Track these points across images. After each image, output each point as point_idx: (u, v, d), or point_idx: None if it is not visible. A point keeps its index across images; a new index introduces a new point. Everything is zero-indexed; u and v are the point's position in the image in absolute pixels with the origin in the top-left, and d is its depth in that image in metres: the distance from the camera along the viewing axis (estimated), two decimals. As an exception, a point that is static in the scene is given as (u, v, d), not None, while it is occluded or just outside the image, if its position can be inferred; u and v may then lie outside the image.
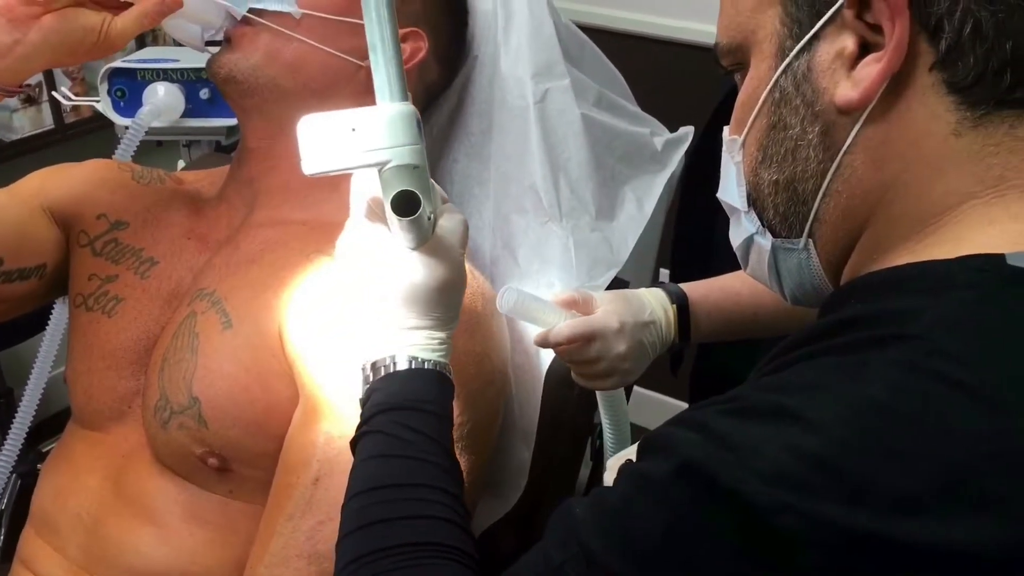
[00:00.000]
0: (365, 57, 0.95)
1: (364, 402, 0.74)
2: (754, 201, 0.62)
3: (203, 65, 1.62)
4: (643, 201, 1.11)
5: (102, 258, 1.02)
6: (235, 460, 0.87)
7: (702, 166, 1.31)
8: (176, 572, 0.88)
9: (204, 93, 1.65)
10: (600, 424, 1.05)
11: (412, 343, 0.73)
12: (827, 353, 0.50)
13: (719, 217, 1.36)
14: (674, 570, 0.49)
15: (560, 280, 1.02)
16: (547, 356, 1.00)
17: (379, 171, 0.69)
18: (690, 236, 1.47)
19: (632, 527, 0.51)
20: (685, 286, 0.99)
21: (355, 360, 0.83)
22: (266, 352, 0.86)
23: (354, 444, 0.73)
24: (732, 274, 1.05)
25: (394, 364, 0.73)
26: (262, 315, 0.88)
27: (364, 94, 0.96)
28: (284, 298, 0.87)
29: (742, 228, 0.64)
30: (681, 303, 0.97)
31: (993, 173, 0.52)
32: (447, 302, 0.75)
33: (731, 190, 0.64)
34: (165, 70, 1.59)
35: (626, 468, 0.54)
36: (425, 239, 0.74)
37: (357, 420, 0.81)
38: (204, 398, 0.87)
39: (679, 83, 1.92)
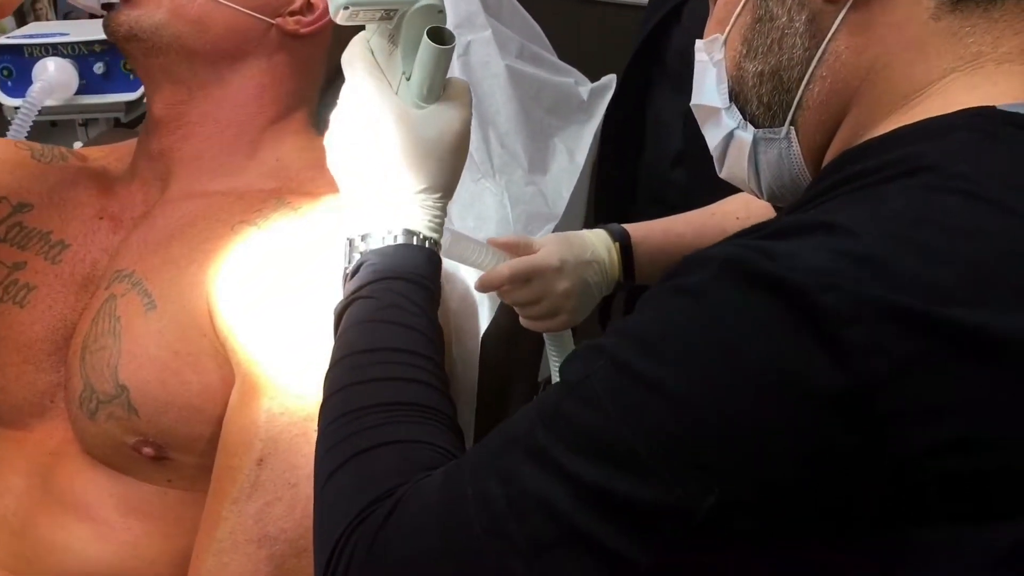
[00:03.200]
0: (275, 14, 0.91)
1: (351, 272, 0.70)
2: (736, 96, 0.64)
3: (96, 38, 1.54)
4: (574, 152, 1.09)
5: (6, 244, 0.95)
6: (171, 447, 0.83)
7: (622, 115, 1.30)
8: (115, 569, 0.83)
9: (99, 67, 1.56)
10: (547, 379, 1.03)
11: (412, 214, 0.70)
12: (839, 197, 0.53)
13: (641, 164, 1.36)
14: (716, 363, 0.47)
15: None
16: (487, 314, 0.97)
17: (404, 14, 0.70)
18: (612, 184, 1.47)
19: (669, 332, 0.49)
20: (628, 227, 0.98)
21: (295, 330, 0.79)
22: (195, 332, 0.82)
23: (340, 313, 0.69)
24: (673, 217, 1.04)
25: (393, 237, 0.69)
26: (188, 293, 0.83)
27: (275, 54, 0.92)
28: (211, 273, 0.83)
29: (721, 127, 0.66)
30: (624, 242, 0.96)
31: (971, 50, 0.55)
32: (455, 164, 0.72)
33: (709, 91, 0.66)
34: (55, 45, 1.50)
35: (651, 291, 0.53)
36: (439, 95, 0.71)
37: (300, 394, 0.78)
38: (132, 385, 0.82)
39: (590, 40, 1.90)
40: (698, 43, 0.69)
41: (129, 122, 1.66)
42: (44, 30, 1.60)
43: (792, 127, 0.62)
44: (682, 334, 0.49)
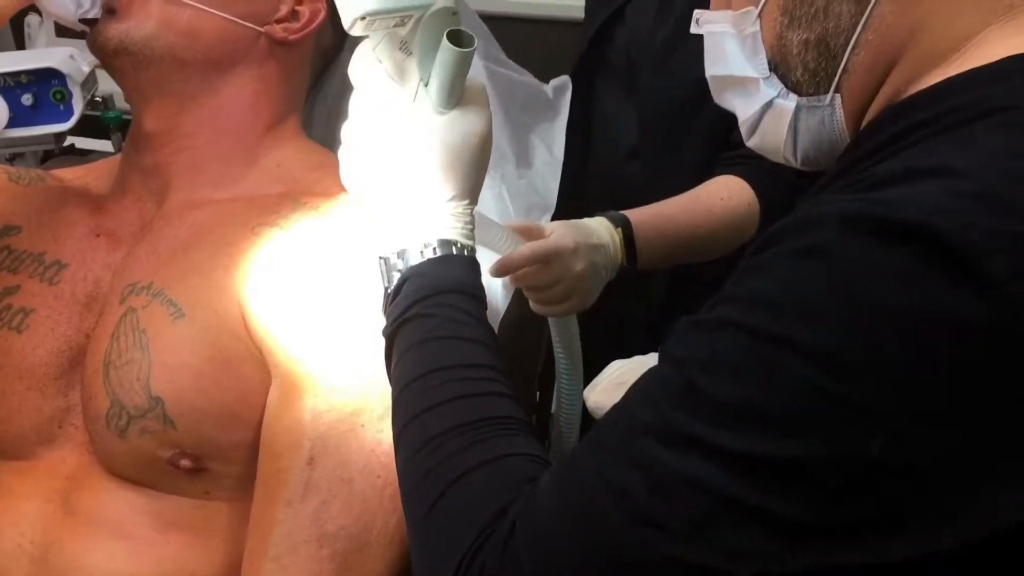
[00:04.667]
0: (263, 22, 0.91)
1: (394, 292, 0.68)
2: (777, 65, 0.65)
3: (21, 68, 1.48)
4: (551, 147, 1.12)
5: None
6: (210, 457, 0.81)
7: (570, 116, 1.33)
8: None
9: (27, 99, 1.49)
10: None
11: (447, 225, 0.69)
12: (914, 147, 0.54)
13: (590, 161, 1.38)
14: (863, 315, 0.48)
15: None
16: (501, 303, 0.99)
17: (419, 20, 0.68)
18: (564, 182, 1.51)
19: (804, 294, 0.50)
20: (625, 212, 1.01)
21: (334, 326, 0.79)
22: (229, 336, 0.81)
23: (391, 336, 0.68)
24: (661, 202, 1.08)
25: (431, 250, 0.68)
26: (217, 298, 0.81)
27: (265, 62, 0.92)
28: (239, 276, 0.82)
29: (758, 96, 0.67)
30: (626, 227, 0.99)
31: (1003, 3, 0.58)
32: (481, 167, 0.71)
33: (737, 62, 0.67)
34: (-22, 77, 1.43)
35: (756, 260, 0.53)
36: (459, 99, 0.70)
37: (344, 390, 0.78)
38: (167, 396, 0.80)
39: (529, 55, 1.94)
40: (708, 15, 0.70)
41: (60, 152, 1.61)
42: (-29, 62, 1.54)
43: (837, 93, 0.63)
44: (819, 294, 0.49)
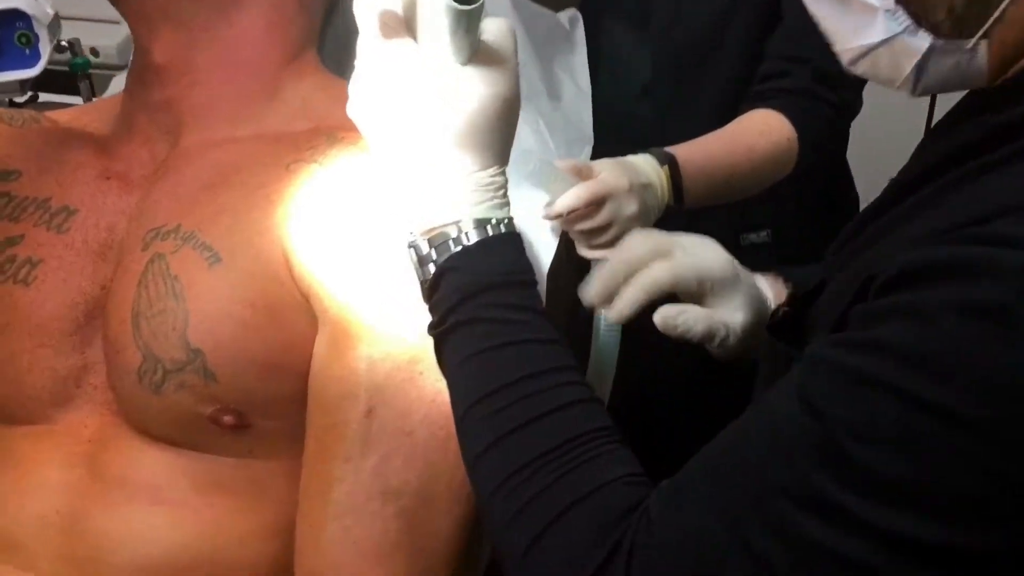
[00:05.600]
0: None
1: (432, 287, 0.62)
2: (910, 1, 0.59)
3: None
4: (577, 79, 1.07)
5: None
6: (254, 413, 0.75)
7: None
8: (200, 552, 0.75)
9: (-16, 44, 1.40)
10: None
11: (476, 200, 0.61)
12: None
13: (596, 102, 1.33)
14: None
15: (543, 164, 0.95)
16: (546, 257, 0.93)
17: None
18: None
19: (975, 363, 0.44)
20: (668, 150, 0.96)
21: (386, 269, 0.73)
22: (271, 282, 0.74)
23: (440, 341, 0.62)
24: (702, 138, 1.03)
25: (464, 235, 0.61)
26: (256, 241, 0.75)
27: None
28: (279, 217, 0.75)
29: (874, 28, 0.60)
30: (672, 166, 0.94)
31: None
32: (507, 129, 0.63)
33: None
34: (-64, 20, 1.32)
35: (908, 302, 0.47)
36: (475, 49, 0.61)
37: (400, 336, 0.72)
38: (207, 347, 0.73)
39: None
40: None
41: (24, 102, 1.50)
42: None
43: (984, 39, 0.56)
44: (997, 367, 0.44)
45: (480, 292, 0.60)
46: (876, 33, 0.60)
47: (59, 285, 0.80)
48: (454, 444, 0.72)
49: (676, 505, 0.53)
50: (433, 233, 0.62)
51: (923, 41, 0.58)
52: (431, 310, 0.63)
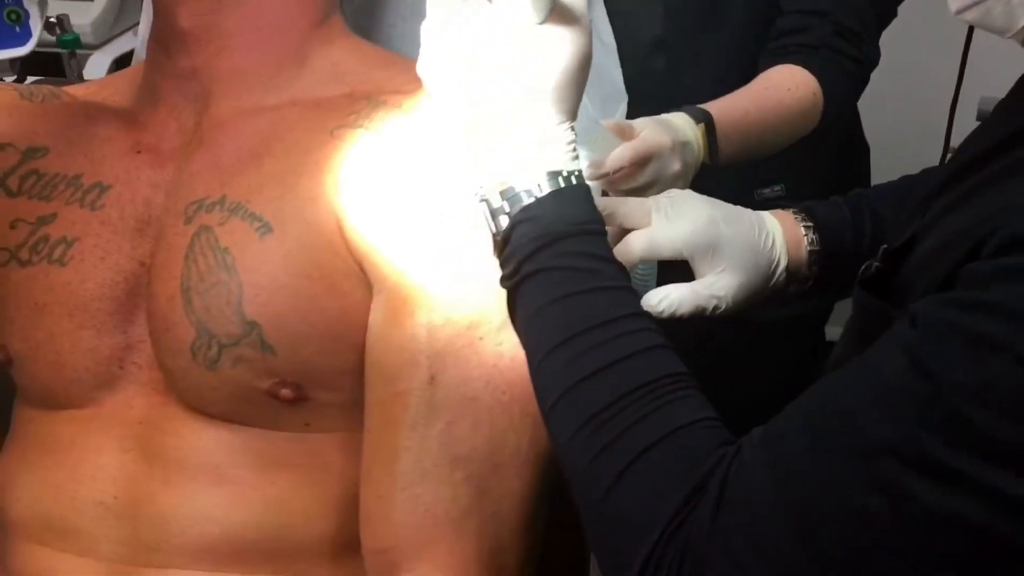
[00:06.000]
0: None
1: (504, 239, 0.62)
2: None
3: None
4: (600, 33, 1.04)
5: (23, 197, 0.80)
6: (312, 385, 0.73)
7: None
8: (266, 529, 0.74)
9: (-29, 22, 1.35)
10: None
11: (550, 153, 0.61)
12: None
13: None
14: None
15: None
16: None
17: None
18: None
19: None
20: (703, 107, 0.95)
21: (442, 234, 0.72)
22: (326, 251, 0.72)
23: (513, 291, 0.62)
24: (731, 95, 1.02)
25: (537, 186, 0.61)
26: (308, 209, 0.73)
27: None
28: (330, 184, 0.73)
29: None
30: (708, 123, 0.93)
31: None
32: (581, 85, 0.63)
33: None
34: (-78, -4, 1.27)
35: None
36: (552, 7, 0.61)
37: (459, 301, 0.71)
38: (263, 319, 0.71)
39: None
40: None
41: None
42: None
43: None
44: None
45: (555, 241, 0.60)
46: None
47: (97, 264, 0.78)
48: (518, 407, 0.72)
49: (773, 453, 0.52)
50: (505, 186, 0.62)
51: None
52: (503, 262, 0.63)
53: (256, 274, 0.72)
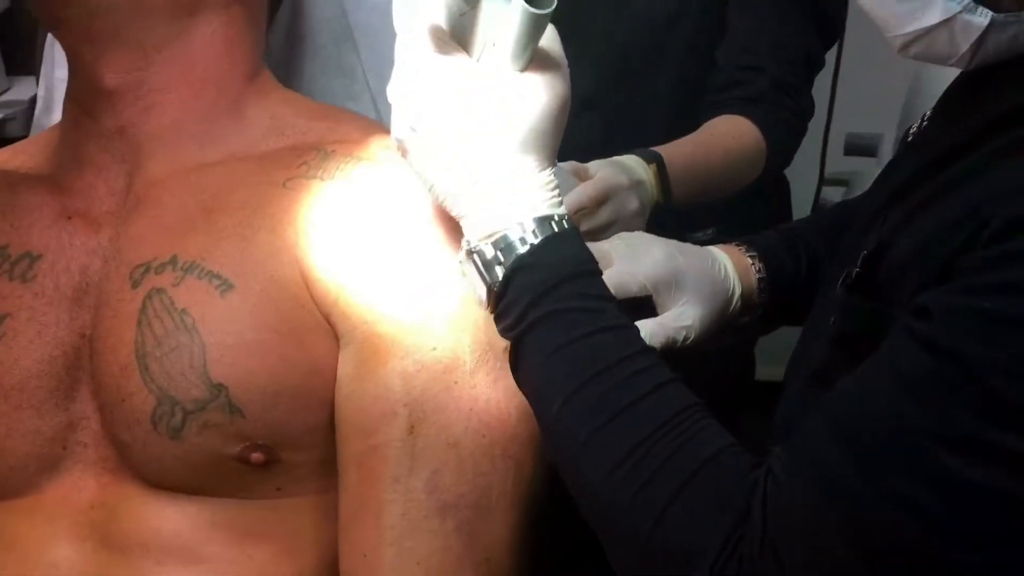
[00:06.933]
0: None
1: (500, 287, 0.62)
2: None
3: None
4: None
5: None
6: (283, 446, 0.70)
7: None
8: None
9: None
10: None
11: (537, 200, 0.62)
12: None
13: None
14: None
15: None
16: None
17: None
18: None
19: None
20: (654, 149, 0.98)
21: (410, 281, 0.70)
22: (292, 305, 0.70)
23: (519, 339, 0.62)
24: (678, 141, 1.05)
25: (531, 233, 0.62)
26: (270, 263, 0.70)
27: (231, 5, 0.80)
28: (290, 236, 0.71)
29: (933, 9, 0.60)
30: (659, 164, 0.95)
31: None
32: (561, 129, 0.65)
33: None
34: None
35: None
36: (530, 59, 0.63)
37: (430, 346, 0.70)
38: (231, 381, 0.68)
39: None
40: None
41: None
42: None
43: None
44: None
45: (558, 284, 0.61)
46: (934, 15, 0.60)
47: (33, 339, 0.73)
48: (499, 449, 0.71)
49: (806, 464, 0.53)
50: (496, 237, 0.62)
51: (983, 18, 0.59)
52: (503, 312, 0.63)
53: (220, 333, 0.69)
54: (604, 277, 0.75)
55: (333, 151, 0.76)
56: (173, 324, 0.69)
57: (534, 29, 0.61)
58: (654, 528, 0.56)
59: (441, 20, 0.63)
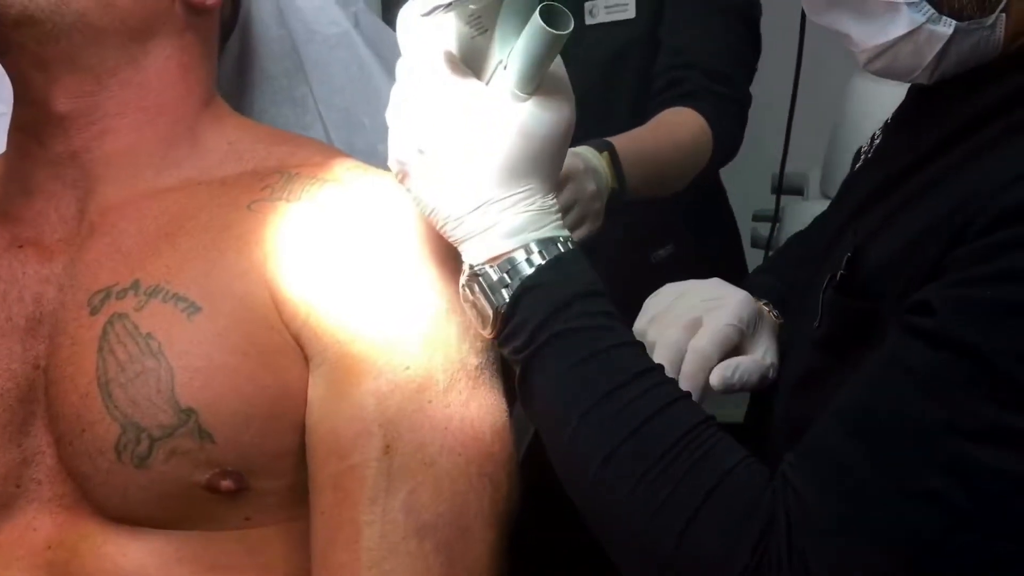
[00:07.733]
0: None
1: (508, 309, 0.63)
2: None
3: None
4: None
5: None
6: (253, 473, 0.68)
7: None
8: None
9: None
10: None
11: (541, 223, 0.64)
12: None
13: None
14: None
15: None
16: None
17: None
18: None
19: None
20: (605, 139, 0.99)
21: (382, 301, 0.70)
22: (261, 327, 0.68)
23: (531, 358, 0.62)
24: (629, 132, 1.06)
25: (538, 254, 0.63)
26: (239, 284, 0.69)
27: (184, 32, 0.80)
28: (258, 258, 0.70)
29: (897, 23, 0.62)
30: (611, 152, 0.97)
31: None
32: (564, 153, 0.66)
33: None
34: None
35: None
36: (540, 83, 0.63)
37: (404, 365, 0.69)
38: (200, 405, 0.66)
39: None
40: None
41: None
42: None
43: (1003, 13, 0.59)
44: None
45: (568, 304, 0.62)
46: (900, 27, 0.62)
47: None
48: (475, 468, 0.70)
49: (822, 469, 0.54)
50: (500, 260, 0.63)
51: (947, 27, 0.61)
52: (511, 334, 0.63)
53: (189, 357, 0.67)
54: (703, 343, 0.74)
55: (297, 174, 0.75)
56: (138, 349, 0.67)
57: (550, 50, 0.62)
58: (679, 543, 0.56)
59: (452, 44, 0.64)
